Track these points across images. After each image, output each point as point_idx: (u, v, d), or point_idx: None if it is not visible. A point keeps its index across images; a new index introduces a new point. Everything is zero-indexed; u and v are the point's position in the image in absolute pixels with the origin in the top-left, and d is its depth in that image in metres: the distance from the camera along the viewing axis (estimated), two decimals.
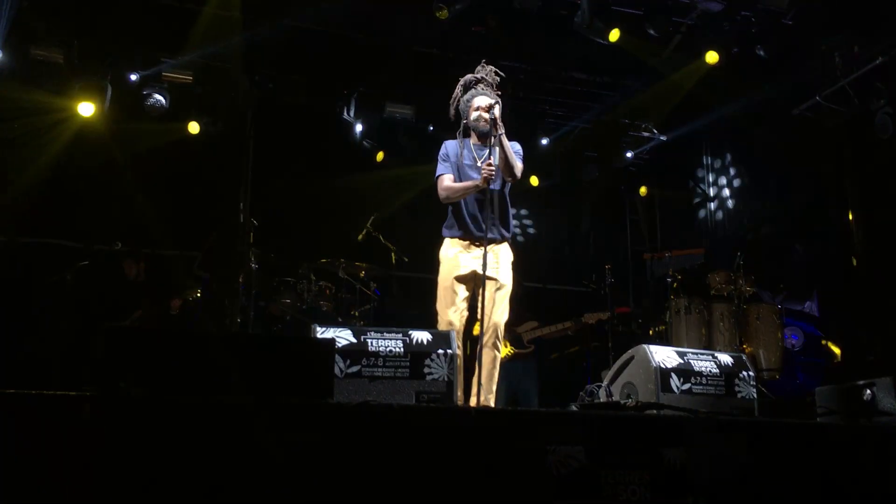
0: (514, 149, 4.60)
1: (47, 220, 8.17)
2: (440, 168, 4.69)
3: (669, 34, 7.63)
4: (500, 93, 4.73)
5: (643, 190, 10.03)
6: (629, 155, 9.83)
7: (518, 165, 4.58)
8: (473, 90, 4.70)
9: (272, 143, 8.37)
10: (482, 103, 4.60)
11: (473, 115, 4.64)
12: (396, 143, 9.04)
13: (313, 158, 8.86)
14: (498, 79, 4.76)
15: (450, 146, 4.75)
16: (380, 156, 8.98)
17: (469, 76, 4.78)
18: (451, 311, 4.55)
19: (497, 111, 4.38)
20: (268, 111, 8.56)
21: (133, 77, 7.97)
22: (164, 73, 8.08)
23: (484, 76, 4.74)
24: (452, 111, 4.80)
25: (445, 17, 7.01)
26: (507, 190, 4.69)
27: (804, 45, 7.50)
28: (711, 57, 7.63)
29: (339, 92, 8.79)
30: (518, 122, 8.27)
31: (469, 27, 7.56)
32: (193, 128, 8.47)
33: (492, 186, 4.45)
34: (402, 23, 7.86)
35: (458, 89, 4.78)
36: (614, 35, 7.24)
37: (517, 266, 4.78)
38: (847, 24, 7.23)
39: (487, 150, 4.61)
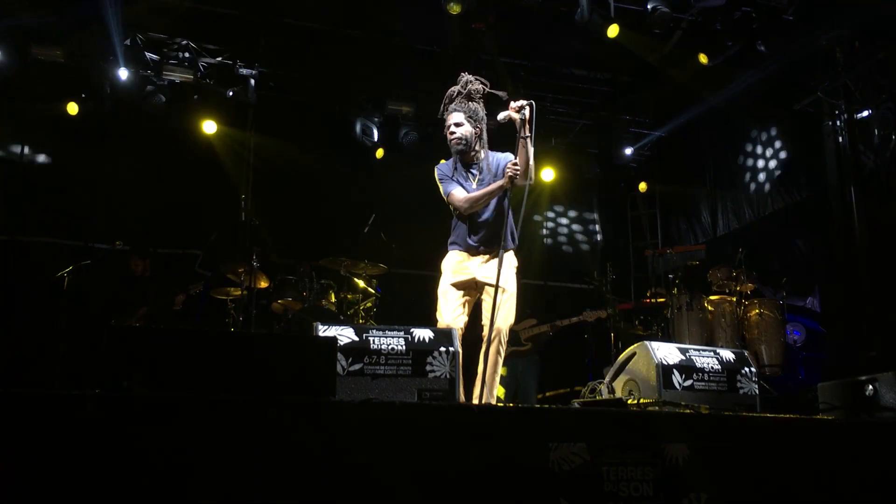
0: (508, 160, 4.50)
1: (48, 218, 8.18)
2: (448, 186, 4.59)
3: (670, 31, 7.63)
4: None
5: (643, 186, 10.02)
6: (630, 151, 9.83)
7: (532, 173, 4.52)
8: (451, 105, 4.60)
9: (274, 140, 8.37)
10: (452, 121, 4.55)
11: (446, 131, 4.58)
12: (397, 140, 9.04)
13: (314, 156, 8.87)
14: (484, 86, 4.63)
15: (444, 167, 4.67)
16: (380, 153, 8.99)
17: (450, 89, 4.66)
18: (452, 318, 4.50)
19: (528, 112, 4.34)
20: (269, 109, 8.57)
21: (129, 74, 7.95)
22: (164, 71, 8.08)
23: (461, 89, 4.61)
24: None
25: (458, 13, 6.99)
26: (508, 200, 4.61)
27: (805, 40, 7.50)
28: (703, 58, 7.65)
29: (341, 90, 8.79)
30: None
31: (469, 24, 7.56)
32: (210, 127, 8.47)
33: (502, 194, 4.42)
34: (403, 20, 7.86)
35: (442, 105, 4.66)
36: (613, 31, 7.23)
37: (527, 264, 4.74)
38: (847, 19, 7.22)
39: (480, 170, 4.56)
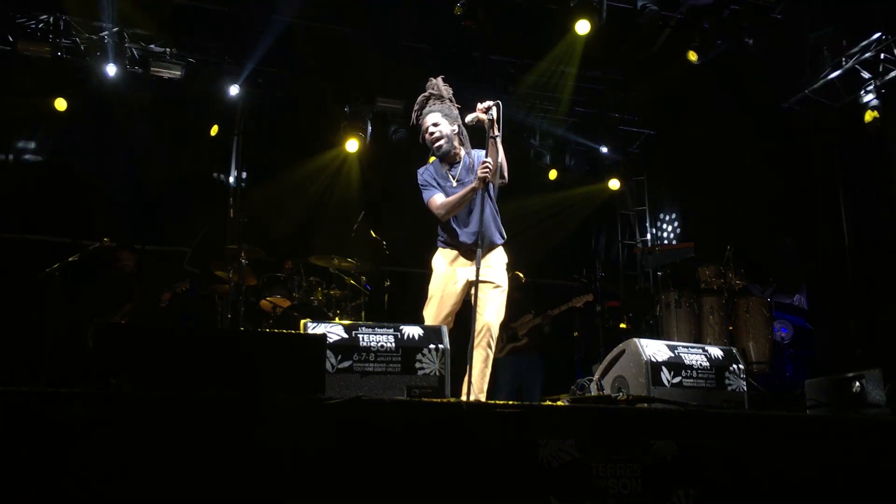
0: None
1: (36, 215, 8.13)
2: (428, 192, 4.60)
3: (659, 28, 7.65)
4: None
5: (616, 183, 9.95)
6: (619, 149, 9.84)
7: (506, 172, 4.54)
8: (424, 109, 4.64)
9: (262, 138, 8.34)
10: (429, 122, 4.58)
11: (424, 135, 4.61)
12: (387, 137, 9.01)
13: (303, 153, 8.84)
14: (450, 89, 4.68)
15: (425, 174, 4.67)
16: (355, 145, 8.85)
17: (420, 96, 4.70)
18: (438, 321, 4.50)
19: (495, 112, 4.34)
20: (258, 106, 8.53)
21: (115, 71, 7.88)
22: (152, 68, 8.03)
23: (432, 91, 4.67)
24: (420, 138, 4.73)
25: (461, 13, 7.06)
26: (493, 196, 4.58)
27: (793, 39, 7.53)
28: (692, 55, 7.67)
29: (330, 87, 8.76)
30: (507, 116, 8.27)
31: (459, 22, 7.56)
32: (199, 124, 8.39)
33: (488, 189, 4.41)
34: (393, 18, 7.85)
35: (414, 113, 4.70)
36: (583, 27, 7.25)
37: (517, 261, 4.74)
38: (835, 18, 7.27)
39: (458, 168, 4.59)
